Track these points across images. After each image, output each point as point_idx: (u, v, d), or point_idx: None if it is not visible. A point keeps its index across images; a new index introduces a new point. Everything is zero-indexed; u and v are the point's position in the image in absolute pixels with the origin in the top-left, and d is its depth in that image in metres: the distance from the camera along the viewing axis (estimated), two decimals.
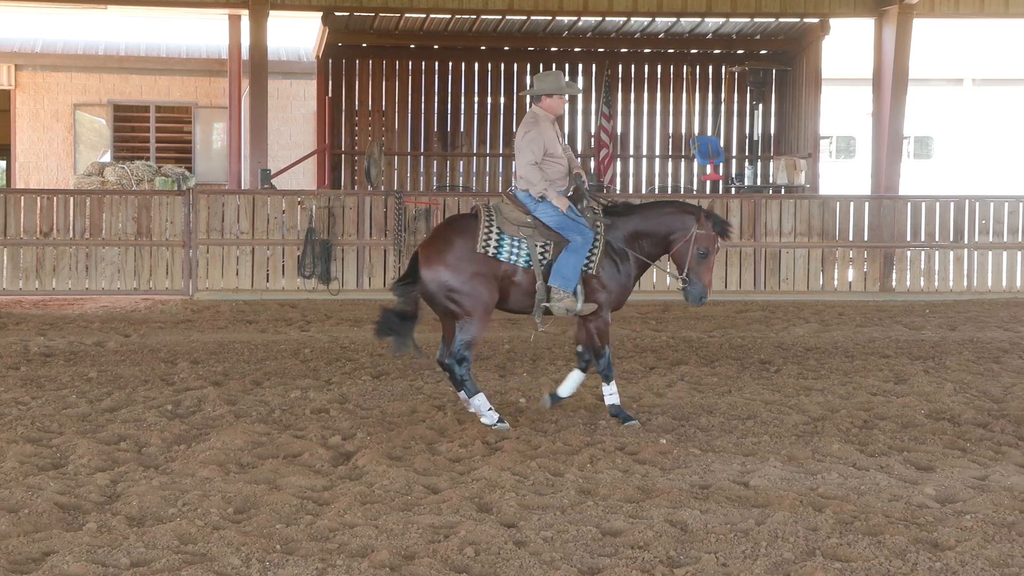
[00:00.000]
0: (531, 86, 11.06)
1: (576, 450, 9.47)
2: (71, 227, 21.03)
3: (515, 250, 10.58)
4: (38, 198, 21.25)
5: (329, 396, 11.68)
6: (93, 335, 16.05)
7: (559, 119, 11.25)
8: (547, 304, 10.64)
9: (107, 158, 29.51)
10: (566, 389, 10.90)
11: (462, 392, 10.61)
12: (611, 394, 10.73)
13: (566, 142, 11.18)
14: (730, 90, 28.65)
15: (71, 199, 21.25)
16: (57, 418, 10.52)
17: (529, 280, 10.61)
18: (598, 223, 10.75)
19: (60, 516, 7.57)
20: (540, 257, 10.62)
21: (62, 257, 21.00)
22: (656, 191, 28.03)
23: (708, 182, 27.14)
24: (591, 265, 10.64)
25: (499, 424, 10.34)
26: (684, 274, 10.78)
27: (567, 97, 11.19)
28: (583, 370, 10.90)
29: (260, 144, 23.29)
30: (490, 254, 10.53)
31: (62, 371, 13.07)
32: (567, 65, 28.41)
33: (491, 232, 10.58)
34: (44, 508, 7.64)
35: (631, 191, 27.46)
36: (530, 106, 11.06)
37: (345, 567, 6.63)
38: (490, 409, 10.44)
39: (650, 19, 25.80)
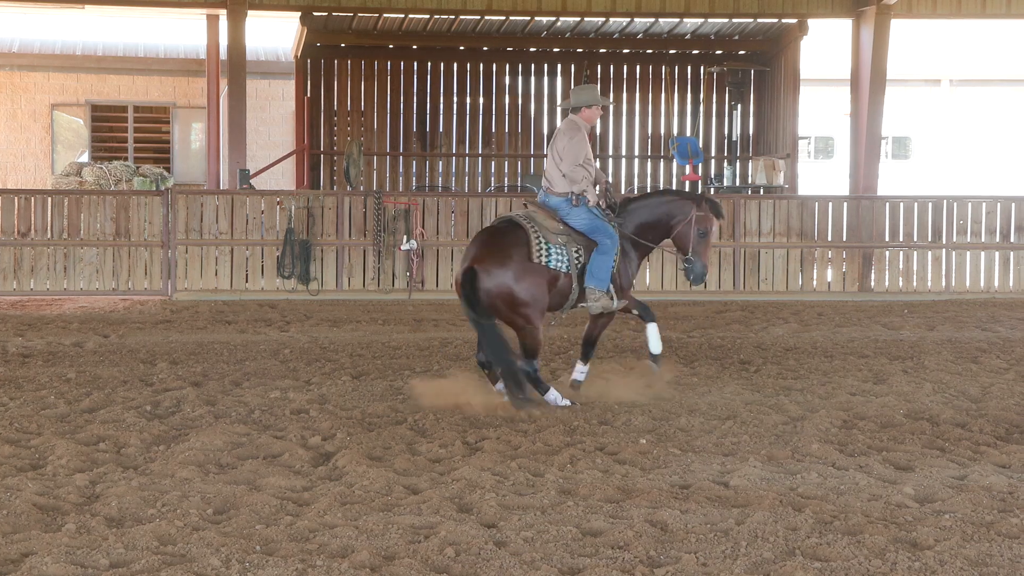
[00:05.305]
0: (568, 99, 11.89)
1: (556, 450, 9.48)
2: (49, 227, 20.97)
3: (560, 257, 11.32)
4: (15, 198, 21.20)
5: (309, 396, 11.66)
6: (71, 336, 16.00)
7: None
8: (584, 304, 11.53)
9: (85, 158, 29.41)
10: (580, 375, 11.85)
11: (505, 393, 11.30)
12: (654, 334, 11.85)
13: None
14: (709, 90, 28.71)
15: (49, 199, 21.19)
16: (35, 419, 10.48)
17: (567, 283, 11.40)
18: (613, 225, 11.57)
19: (39, 517, 7.54)
20: (576, 261, 11.41)
21: (40, 257, 20.94)
22: (636, 191, 28.06)
23: (687, 182, 27.16)
24: (614, 265, 11.49)
25: (570, 403, 11.19)
26: (688, 255, 11.80)
27: (601, 108, 11.99)
28: (585, 362, 11.86)
29: (239, 144, 23.26)
30: (543, 263, 11.23)
31: (40, 372, 13.03)
32: (546, 65, 28.47)
33: (541, 242, 11.27)
34: (22, 509, 7.61)
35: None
36: (566, 116, 11.86)
37: (325, 568, 6.62)
38: (563, 398, 11.25)
39: (629, 19, 25.82)
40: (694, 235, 11.69)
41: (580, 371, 11.83)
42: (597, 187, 11.73)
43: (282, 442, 9.67)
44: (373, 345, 15.21)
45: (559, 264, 11.27)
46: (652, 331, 11.86)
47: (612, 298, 11.47)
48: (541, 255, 11.21)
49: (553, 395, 11.27)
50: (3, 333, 16.24)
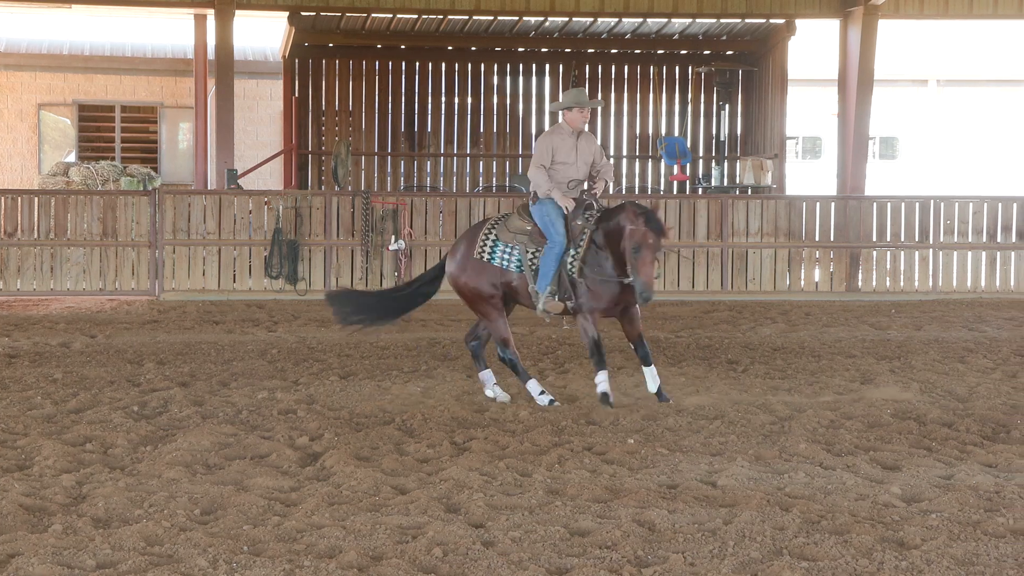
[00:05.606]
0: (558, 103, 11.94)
1: (544, 450, 9.47)
2: (36, 227, 20.93)
3: (506, 255, 11.45)
4: (2, 198, 21.15)
5: (296, 397, 11.65)
6: (58, 336, 15.97)
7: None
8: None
9: (72, 158, 29.34)
10: (651, 384, 11.41)
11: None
12: (600, 382, 11.20)
13: (592, 156, 11.76)
14: (697, 90, 28.73)
15: (36, 199, 21.15)
16: (22, 419, 10.46)
17: (522, 283, 11.46)
18: (586, 230, 11.27)
19: (25, 518, 7.52)
20: (531, 262, 11.40)
21: (27, 258, 20.89)
22: (624, 191, 28.07)
23: (675, 182, 27.19)
24: (572, 269, 11.26)
25: (552, 403, 11.22)
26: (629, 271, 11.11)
27: (587, 110, 11.73)
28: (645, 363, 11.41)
29: (226, 144, 23.23)
30: (484, 259, 11.45)
31: (27, 372, 13.00)
32: (534, 65, 28.47)
33: (487, 239, 11.57)
34: (9, 510, 7.58)
35: (598, 192, 27.44)
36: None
37: (312, 568, 6.61)
38: (542, 393, 11.36)
39: (617, 20, 25.83)
40: (629, 251, 10.97)
41: (649, 377, 11.37)
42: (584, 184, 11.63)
43: (270, 442, 9.66)
44: (361, 345, 15.19)
45: (504, 262, 11.48)
46: (600, 377, 11.26)
47: (539, 300, 11.27)
48: (483, 251, 11.54)
49: (533, 385, 11.43)
50: None
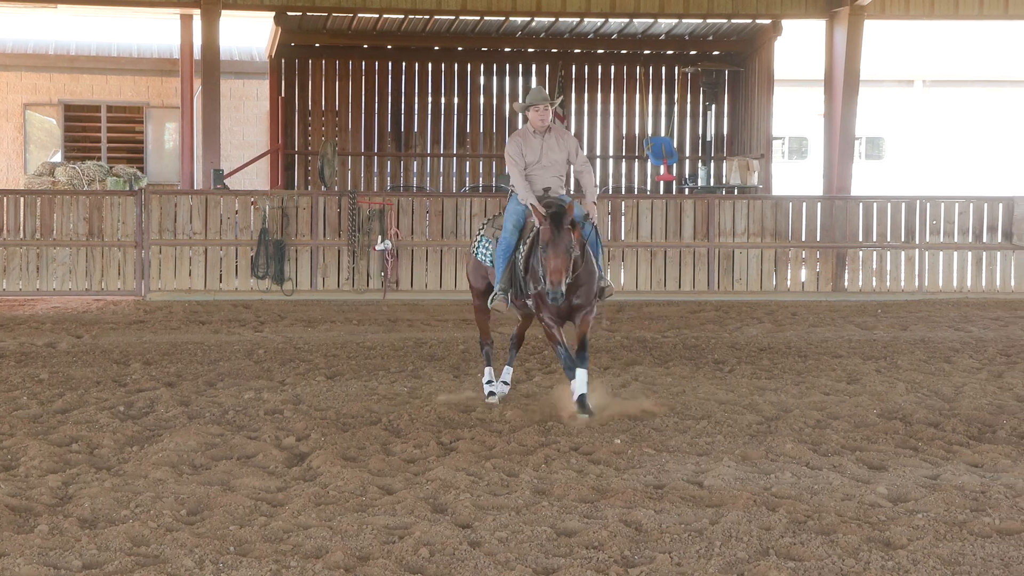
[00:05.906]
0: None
1: (531, 450, 9.48)
2: (21, 227, 20.87)
3: (484, 251, 11.65)
4: None
5: (283, 397, 11.64)
6: (44, 336, 15.94)
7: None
8: None
9: (58, 158, 29.27)
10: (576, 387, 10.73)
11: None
12: (575, 390, 10.75)
13: (564, 154, 11.48)
14: (683, 91, 28.75)
15: (21, 199, 21.09)
16: (8, 420, 10.44)
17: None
18: (534, 228, 10.96)
19: (11, 518, 7.50)
20: None
21: (12, 258, 20.84)
22: (610, 191, 28.09)
23: (662, 183, 27.21)
24: (520, 267, 11.15)
25: (489, 397, 11.42)
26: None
27: (544, 107, 11.40)
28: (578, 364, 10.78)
29: (213, 144, 23.20)
30: (473, 254, 11.90)
31: (13, 372, 12.97)
32: (520, 66, 28.47)
33: (478, 236, 11.87)
34: None
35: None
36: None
37: (299, 568, 6.60)
38: (488, 382, 11.58)
39: (603, 20, 25.84)
40: (540, 250, 10.68)
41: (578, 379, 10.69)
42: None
43: (256, 443, 9.66)
44: (347, 345, 15.19)
45: (483, 258, 11.70)
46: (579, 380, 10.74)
47: (491, 297, 11.30)
48: (472, 247, 11.93)
49: (486, 376, 11.62)
50: None
